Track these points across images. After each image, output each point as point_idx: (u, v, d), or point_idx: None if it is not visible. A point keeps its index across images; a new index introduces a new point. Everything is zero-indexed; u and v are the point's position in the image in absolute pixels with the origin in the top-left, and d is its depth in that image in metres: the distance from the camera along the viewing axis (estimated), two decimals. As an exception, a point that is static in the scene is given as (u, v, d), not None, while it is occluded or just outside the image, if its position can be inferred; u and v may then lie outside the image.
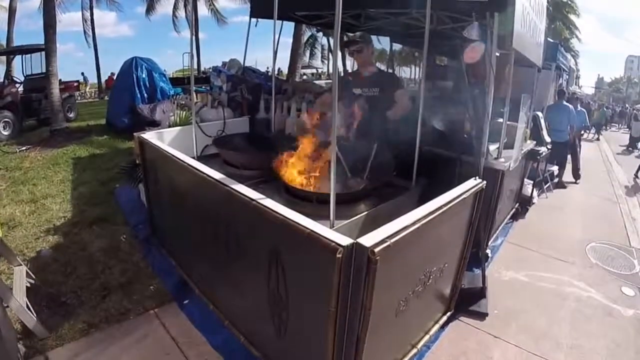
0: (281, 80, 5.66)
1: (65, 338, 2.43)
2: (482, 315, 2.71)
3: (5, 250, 2.74)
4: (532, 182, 4.68)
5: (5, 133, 8.21)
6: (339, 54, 4.10)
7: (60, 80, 9.89)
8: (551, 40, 5.46)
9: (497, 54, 3.06)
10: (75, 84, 13.01)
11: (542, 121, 4.47)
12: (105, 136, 8.35)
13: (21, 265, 2.78)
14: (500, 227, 3.82)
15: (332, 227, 1.65)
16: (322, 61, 28.48)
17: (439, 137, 3.15)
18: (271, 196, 2.16)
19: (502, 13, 2.48)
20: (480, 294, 2.80)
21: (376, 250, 1.24)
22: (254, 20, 4.78)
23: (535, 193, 4.83)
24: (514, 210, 4.31)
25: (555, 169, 5.97)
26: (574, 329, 2.72)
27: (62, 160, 6.57)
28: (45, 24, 7.78)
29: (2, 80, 9.46)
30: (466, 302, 2.69)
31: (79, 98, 19.70)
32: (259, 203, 1.60)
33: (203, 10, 24.63)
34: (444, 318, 2.38)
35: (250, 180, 2.47)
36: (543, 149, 4.09)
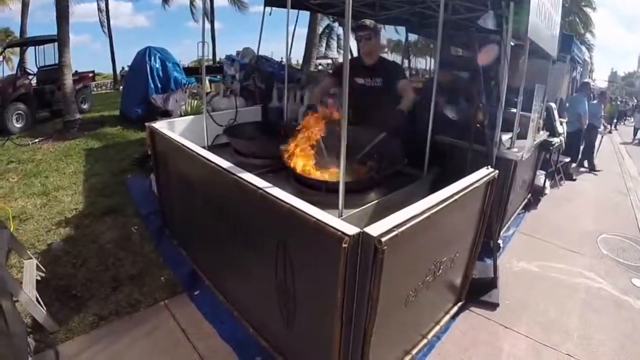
0: (295, 70, 5.59)
1: (76, 331, 2.41)
2: (493, 306, 2.65)
3: (16, 244, 2.73)
4: (544, 172, 4.59)
5: (18, 125, 8.23)
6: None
7: (76, 71, 9.91)
8: (566, 33, 5.32)
9: (512, 44, 2.97)
10: (90, 75, 12.99)
11: (556, 112, 4.37)
12: (118, 127, 8.32)
13: (31, 258, 2.78)
14: (512, 218, 3.77)
15: (340, 215, 1.61)
16: (338, 51, 28.20)
17: (452, 126, 3.10)
18: (280, 185, 2.14)
19: (517, 2, 2.41)
20: (491, 284, 2.74)
21: (383, 239, 1.21)
22: (268, 9, 4.75)
23: (547, 184, 4.73)
24: (526, 200, 4.25)
25: (567, 159, 5.85)
26: (584, 320, 2.66)
27: (75, 151, 6.58)
28: (58, 15, 7.69)
29: (15, 72, 9.45)
30: (477, 292, 2.64)
31: (95, 89, 19.87)
32: (265, 192, 1.57)
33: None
34: (455, 308, 2.37)
35: (260, 169, 2.45)
36: (556, 140, 4.02)
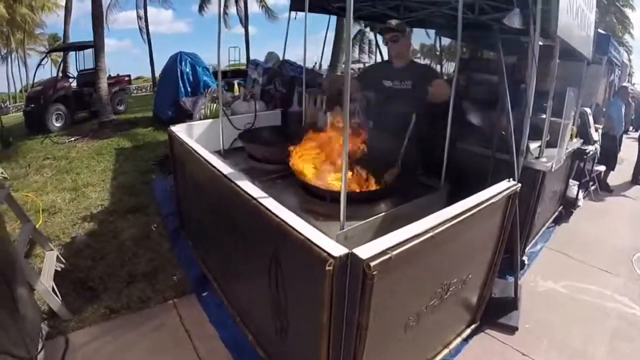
0: (317, 74, 5.59)
1: (87, 321, 2.48)
2: (511, 329, 2.47)
3: (39, 236, 2.86)
4: (577, 183, 4.30)
5: (58, 124, 8.76)
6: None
7: (116, 74, 10.39)
8: (602, 32, 4.97)
9: (541, 44, 2.82)
10: (126, 79, 13.62)
11: (590, 118, 4.10)
12: (150, 128, 8.61)
13: (52, 250, 2.89)
14: (540, 232, 3.54)
15: (342, 228, 1.53)
16: (370, 56, 28.10)
17: (475, 133, 2.96)
18: (287, 193, 2.13)
19: None
20: (511, 305, 2.56)
21: (373, 263, 1.09)
22: (293, 13, 4.79)
23: (581, 195, 4.42)
24: (557, 213, 3.99)
25: (602, 169, 5.47)
26: (613, 350, 2.43)
27: (106, 150, 6.86)
28: (94, 23, 8.19)
29: (55, 75, 10.06)
30: (495, 313, 2.47)
31: (135, 92, 20.80)
32: (258, 202, 1.51)
33: (254, 7, 25.20)
34: (468, 331, 2.20)
35: (271, 175, 2.43)
36: (591, 148, 3.77)
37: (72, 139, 7.65)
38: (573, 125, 3.43)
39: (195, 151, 2.28)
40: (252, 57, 21.59)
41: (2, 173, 5.38)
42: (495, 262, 2.02)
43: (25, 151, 6.99)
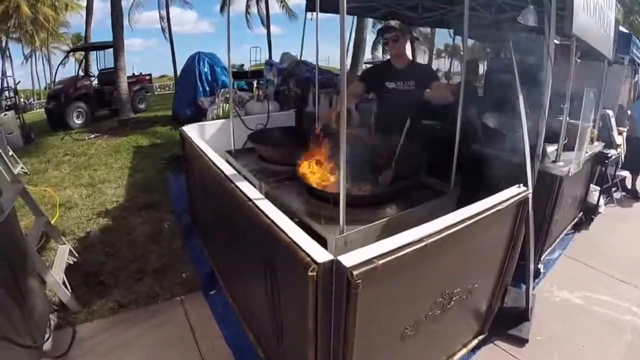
0: (332, 74, 5.61)
1: (96, 314, 2.54)
2: (521, 341, 2.38)
3: (52, 230, 2.94)
4: (599, 188, 4.14)
5: (79, 122, 9.06)
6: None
7: (139, 73, 10.64)
8: (624, 30, 4.75)
9: (557, 42, 2.73)
10: (147, 78, 13.93)
11: (613, 121, 3.94)
12: (168, 127, 8.78)
13: (65, 244, 2.98)
14: (558, 239, 3.43)
15: (342, 232, 1.53)
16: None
17: (492, 135, 2.89)
18: (292, 195, 2.14)
19: None
20: (522, 315, 2.47)
21: (356, 272, 1.06)
22: (309, 14, 4.81)
23: (602, 201, 4.26)
24: (576, 219, 3.85)
25: (626, 174, 5.24)
26: (627, 367, 2.32)
27: (124, 148, 7.03)
28: (113, 24, 8.45)
29: (76, 74, 10.42)
30: (505, 323, 2.38)
31: (159, 90, 21.24)
32: (253, 203, 1.51)
33: (275, 8, 25.34)
34: (475, 341, 2.14)
35: (280, 176, 2.43)
36: (613, 152, 3.64)
37: (92, 136, 7.87)
38: (594, 128, 3.31)
39: (202, 151, 2.31)
40: (274, 57, 21.87)
41: (22, 168, 5.57)
42: (504, 271, 1.95)
43: (45, 147, 7.24)
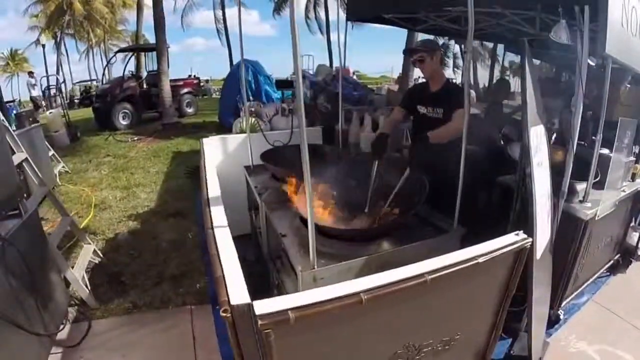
0: (368, 90, 5.74)
1: (111, 312, 2.93)
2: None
3: (77, 230, 3.44)
4: None
5: (124, 123, 10.00)
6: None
7: (191, 75, 11.36)
8: None
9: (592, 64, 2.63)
10: (195, 81, 14.92)
11: None
12: (214, 133, 9.34)
13: (90, 244, 3.45)
14: (587, 282, 3.31)
15: (312, 267, 1.63)
16: (454, 71, 27.42)
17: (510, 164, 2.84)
18: (288, 220, 2.18)
19: (592, 6, 2.00)
20: None
21: (263, 322, 1.05)
22: (349, 23, 5.02)
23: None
24: (612, 262, 3.66)
25: None
26: None
27: (163, 153, 7.70)
28: (156, 28, 9.33)
29: (122, 74, 11.44)
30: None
31: (216, 94, 22.40)
32: (212, 230, 1.65)
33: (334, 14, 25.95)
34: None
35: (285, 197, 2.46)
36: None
37: (135, 138, 8.68)
38: (636, 163, 3.17)
39: (204, 167, 2.60)
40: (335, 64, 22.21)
41: (63, 167, 6.32)
42: (498, 322, 1.87)
43: (89, 147, 8.11)
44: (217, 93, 23.01)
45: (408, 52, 2.91)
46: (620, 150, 2.70)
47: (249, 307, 1.10)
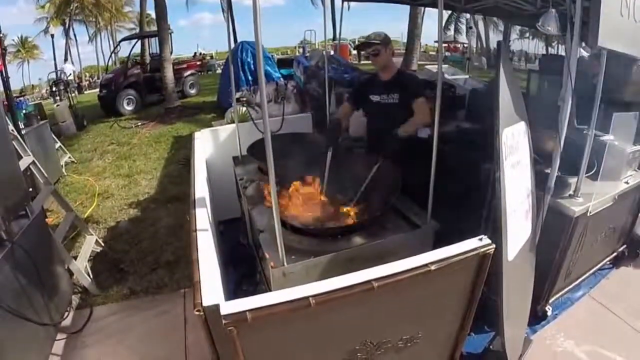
0: (360, 72, 5.63)
1: (111, 298, 3.15)
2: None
3: (80, 223, 3.64)
4: None
5: (129, 108, 10.25)
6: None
7: (196, 53, 11.30)
8: None
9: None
10: (198, 62, 14.97)
11: None
12: (212, 114, 9.47)
13: (92, 235, 3.66)
14: (584, 276, 3.08)
15: (282, 264, 1.73)
16: (468, 37, 26.51)
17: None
18: (265, 216, 2.23)
19: None
20: None
21: (227, 321, 1.23)
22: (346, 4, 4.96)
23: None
24: (616, 253, 3.37)
25: None
26: None
27: (164, 138, 7.86)
28: (157, 16, 9.38)
29: (126, 62, 11.62)
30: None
31: (220, 67, 22.29)
32: (195, 233, 1.76)
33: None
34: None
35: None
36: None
37: (139, 123, 8.87)
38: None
39: (193, 165, 2.72)
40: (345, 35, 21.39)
41: (70, 157, 6.54)
42: (464, 323, 1.88)
43: (95, 135, 8.34)
44: (221, 68, 22.71)
45: (363, 46, 2.93)
46: (619, 138, 2.55)
47: (217, 307, 1.25)
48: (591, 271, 3.13)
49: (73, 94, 10.20)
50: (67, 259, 2.97)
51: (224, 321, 1.22)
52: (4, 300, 2.02)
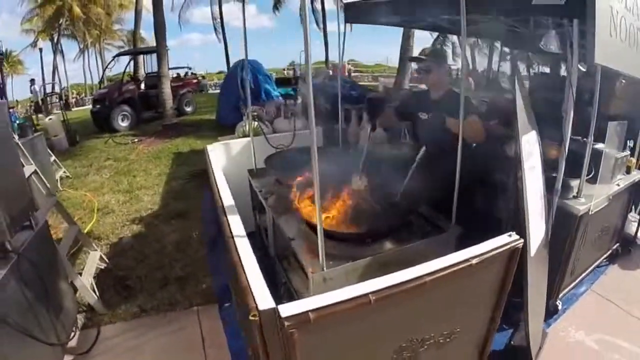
0: (365, 89, 5.80)
1: (120, 317, 2.99)
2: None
3: (84, 238, 3.50)
4: (638, 218, 3.99)
5: (124, 124, 10.13)
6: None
7: (189, 73, 11.42)
8: None
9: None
10: (194, 81, 14.98)
11: None
12: (212, 132, 9.28)
13: (96, 250, 3.51)
14: (585, 273, 3.40)
15: (322, 269, 1.73)
16: (454, 59, 27.10)
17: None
18: (293, 224, 2.25)
19: (581, 19, 2.10)
20: (524, 357, 2.45)
21: (289, 323, 1.21)
22: (348, 25, 5.06)
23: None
24: (611, 251, 3.75)
25: None
26: None
27: (164, 154, 7.75)
28: (156, 32, 9.43)
29: (121, 78, 11.55)
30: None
31: (212, 88, 22.40)
32: (232, 239, 1.73)
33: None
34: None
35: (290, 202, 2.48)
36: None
37: (136, 139, 8.74)
38: (631, 156, 3.29)
39: (214, 176, 2.65)
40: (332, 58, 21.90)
41: (64, 172, 6.37)
42: (494, 318, 1.98)
43: (89, 150, 8.18)
44: (213, 88, 23.09)
45: (415, 60, 2.93)
46: (612, 146, 2.86)
47: (274, 311, 1.25)
48: (591, 268, 3.46)
49: (60, 111, 10.04)
50: (72, 274, 2.83)
51: (286, 323, 1.21)
52: (11, 317, 1.89)
